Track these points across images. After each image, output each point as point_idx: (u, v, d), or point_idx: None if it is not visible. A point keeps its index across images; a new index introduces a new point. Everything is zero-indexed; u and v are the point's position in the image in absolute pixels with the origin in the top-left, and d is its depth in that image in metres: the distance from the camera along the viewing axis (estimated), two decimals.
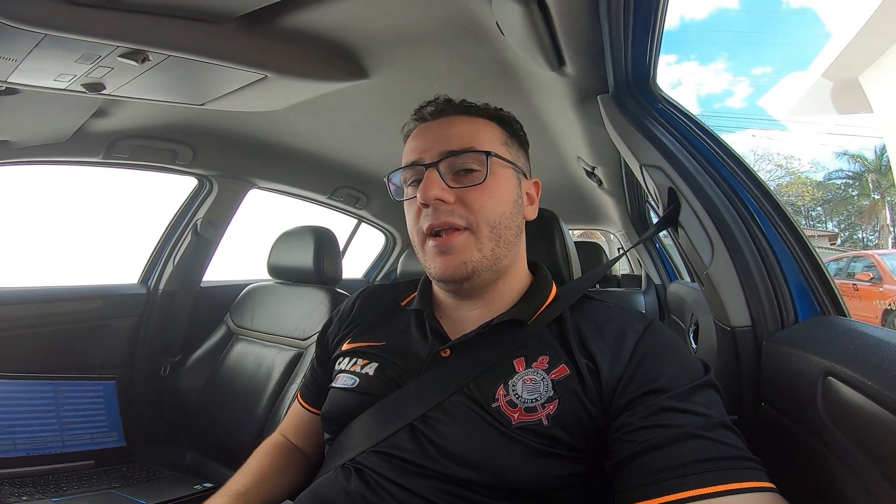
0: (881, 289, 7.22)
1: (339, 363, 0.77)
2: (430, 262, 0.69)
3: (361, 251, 3.04)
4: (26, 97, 1.09)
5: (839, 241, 22.72)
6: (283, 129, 1.69)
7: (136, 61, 0.92)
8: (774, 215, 0.78)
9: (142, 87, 1.07)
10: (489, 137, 0.72)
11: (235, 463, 0.83)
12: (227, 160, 1.81)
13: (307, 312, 1.56)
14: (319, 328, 0.91)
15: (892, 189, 20.09)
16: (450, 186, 0.67)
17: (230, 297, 1.81)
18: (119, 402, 1.63)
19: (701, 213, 0.80)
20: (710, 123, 0.95)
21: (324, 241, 1.65)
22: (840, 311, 0.72)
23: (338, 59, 1.15)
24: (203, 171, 1.80)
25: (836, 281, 0.76)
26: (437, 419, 0.62)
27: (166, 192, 1.93)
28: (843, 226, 24.62)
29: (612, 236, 4.35)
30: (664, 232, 0.97)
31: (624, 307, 0.72)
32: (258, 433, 1.39)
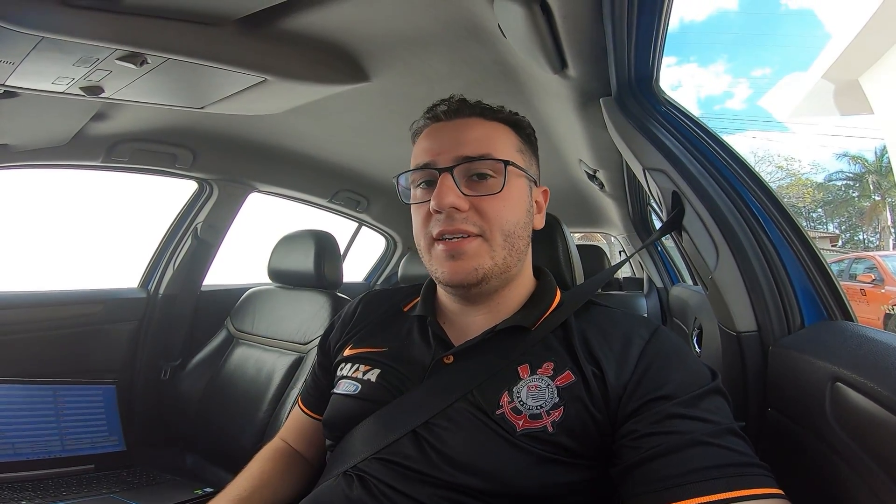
0: (883, 290, 7.21)
1: (341, 369, 0.76)
2: (438, 266, 0.67)
3: (362, 254, 3.03)
4: (25, 100, 1.08)
5: (840, 243, 22.70)
6: (284, 132, 1.69)
7: (135, 64, 0.92)
8: (779, 218, 0.78)
9: (141, 91, 1.07)
10: (506, 144, 0.70)
11: (236, 467, 0.82)
12: (227, 164, 1.81)
13: (308, 316, 1.55)
14: (320, 332, 0.90)
15: (893, 190, 20.10)
16: (464, 194, 0.65)
17: (231, 301, 1.80)
18: (119, 406, 1.62)
19: (705, 216, 0.79)
20: (710, 125, 0.95)
21: (324, 245, 1.64)
22: (847, 315, 0.71)
23: (338, 61, 1.15)
24: (203, 174, 1.79)
25: (840, 283, 0.75)
26: (440, 426, 0.61)
27: (167, 195, 1.93)
28: (843, 227, 24.61)
29: (612, 238, 4.34)
30: (667, 235, 0.97)
31: (629, 312, 0.71)
32: (259, 437, 1.39)
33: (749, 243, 0.75)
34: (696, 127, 0.93)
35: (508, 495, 0.56)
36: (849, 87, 9.21)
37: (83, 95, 1.04)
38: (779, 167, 26.26)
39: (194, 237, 1.87)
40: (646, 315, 2.68)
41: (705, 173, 0.83)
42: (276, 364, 1.53)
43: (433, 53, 1.11)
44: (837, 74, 9.14)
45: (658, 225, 2.46)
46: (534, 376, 0.62)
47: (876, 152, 20.43)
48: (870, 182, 21.04)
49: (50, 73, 0.94)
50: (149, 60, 0.92)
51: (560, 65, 0.97)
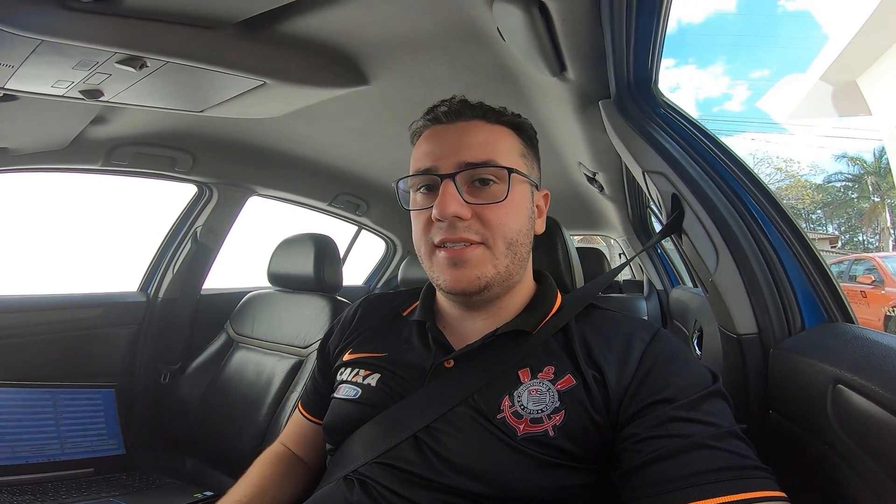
0: (883, 292, 7.21)
1: (341, 374, 0.75)
2: (439, 273, 0.67)
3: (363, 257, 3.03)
4: (24, 104, 1.08)
5: (839, 244, 22.71)
6: (283, 135, 1.69)
7: (134, 68, 0.92)
8: (779, 221, 0.78)
9: (140, 94, 1.07)
10: (509, 149, 0.69)
11: (236, 471, 0.82)
12: (226, 167, 1.81)
13: (308, 320, 1.55)
14: (320, 336, 0.90)
15: (892, 191, 20.11)
16: (467, 201, 0.64)
17: (230, 305, 1.80)
18: (119, 409, 1.62)
19: (705, 219, 0.79)
20: (709, 127, 0.95)
21: (324, 249, 1.64)
22: (847, 317, 0.71)
23: (337, 65, 1.15)
24: (203, 178, 1.79)
25: (840, 284, 0.75)
26: (441, 430, 0.61)
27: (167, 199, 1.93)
28: (843, 228, 24.63)
29: (612, 241, 4.35)
30: (666, 238, 0.96)
31: (629, 315, 0.71)
32: (259, 441, 1.38)
33: (749, 245, 0.75)
34: (695, 129, 0.93)
35: (509, 499, 0.56)
36: (847, 89, 9.25)
37: (82, 99, 1.04)
38: (778, 169, 26.32)
39: (194, 241, 1.87)
40: (646, 318, 2.68)
41: (705, 176, 0.83)
42: (275, 368, 1.52)
43: (432, 57, 1.11)
44: (835, 76, 9.18)
45: (658, 227, 2.46)
46: (534, 380, 0.62)
47: (874, 153, 20.49)
48: (869, 183, 21.07)
49: (49, 77, 0.94)
50: (148, 64, 0.92)
51: (559, 68, 0.97)
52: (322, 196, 2.28)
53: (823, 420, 0.55)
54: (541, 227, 0.75)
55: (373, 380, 0.70)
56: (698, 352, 1.56)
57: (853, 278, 7.95)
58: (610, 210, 2.55)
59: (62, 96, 1.03)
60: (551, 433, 0.57)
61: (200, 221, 1.88)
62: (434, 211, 0.64)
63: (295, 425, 0.88)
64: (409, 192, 0.72)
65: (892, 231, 20.22)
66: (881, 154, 19.58)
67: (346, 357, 0.77)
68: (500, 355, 0.65)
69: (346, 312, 0.87)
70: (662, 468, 0.51)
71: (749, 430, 0.55)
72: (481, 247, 0.65)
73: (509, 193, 0.65)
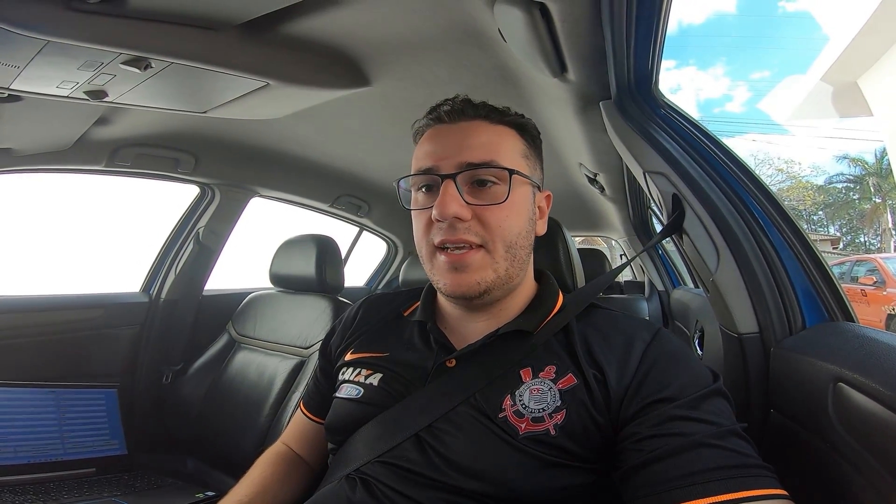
0: (885, 292, 7.20)
1: (343, 373, 0.76)
2: (440, 276, 0.67)
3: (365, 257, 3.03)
4: (29, 104, 1.09)
5: (841, 245, 22.68)
6: (285, 137, 1.69)
7: (139, 68, 0.92)
8: (780, 221, 0.78)
9: (144, 95, 1.07)
10: (511, 150, 0.69)
11: (238, 471, 0.82)
12: (229, 168, 1.81)
13: (309, 321, 1.56)
14: (322, 336, 0.90)
15: (894, 192, 20.09)
16: (467, 202, 0.64)
17: (232, 306, 1.81)
18: (121, 410, 1.62)
19: (706, 219, 0.79)
20: (710, 128, 0.95)
21: (325, 250, 1.64)
22: (848, 316, 0.71)
23: (339, 66, 1.15)
24: (205, 179, 1.80)
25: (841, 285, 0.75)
26: (443, 430, 0.61)
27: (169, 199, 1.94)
28: (844, 230, 24.60)
29: (613, 242, 4.34)
30: (667, 238, 0.97)
31: (630, 315, 0.71)
32: (260, 442, 1.39)
33: (749, 245, 0.75)
34: (696, 130, 0.93)
35: (511, 499, 0.56)
36: (847, 89, 9.25)
37: (87, 99, 1.05)
38: (779, 170, 26.32)
39: (196, 242, 1.87)
40: (647, 318, 2.68)
41: (705, 176, 0.83)
42: (277, 368, 1.53)
43: (433, 58, 1.11)
44: (836, 76, 9.18)
45: (659, 228, 2.46)
46: (536, 380, 0.62)
47: (876, 154, 20.48)
48: (870, 184, 21.05)
49: (55, 77, 0.94)
50: (152, 65, 0.93)
51: (560, 69, 0.97)
52: (324, 197, 2.29)
53: (824, 418, 0.55)
54: (542, 228, 0.75)
55: (375, 379, 0.70)
56: (700, 352, 1.56)
57: (855, 279, 7.94)
58: (611, 211, 2.55)
59: (67, 97, 1.03)
60: (553, 432, 0.57)
61: (203, 222, 1.89)
62: (434, 211, 0.64)
63: (297, 425, 0.88)
64: (410, 192, 0.72)
65: (893, 232, 20.17)
66: (882, 155, 19.56)
67: (348, 357, 0.77)
68: (501, 355, 0.66)
69: (347, 312, 0.87)
70: (663, 467, 0.51)
71: (750, 428, 0.55)
72: (481, 251, 0.65)
73: (510, 195, 0.65)
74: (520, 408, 0.59)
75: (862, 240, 23.83)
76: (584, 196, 2.46)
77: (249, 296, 1.80)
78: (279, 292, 1.75)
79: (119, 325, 1.76)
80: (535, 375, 0.62)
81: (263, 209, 2.14)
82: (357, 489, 0.60)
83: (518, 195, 0.67)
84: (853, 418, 0.51)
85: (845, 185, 23.07)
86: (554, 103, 1.22)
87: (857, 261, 8.66)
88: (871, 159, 20.84)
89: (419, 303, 0.78)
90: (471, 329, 0.72)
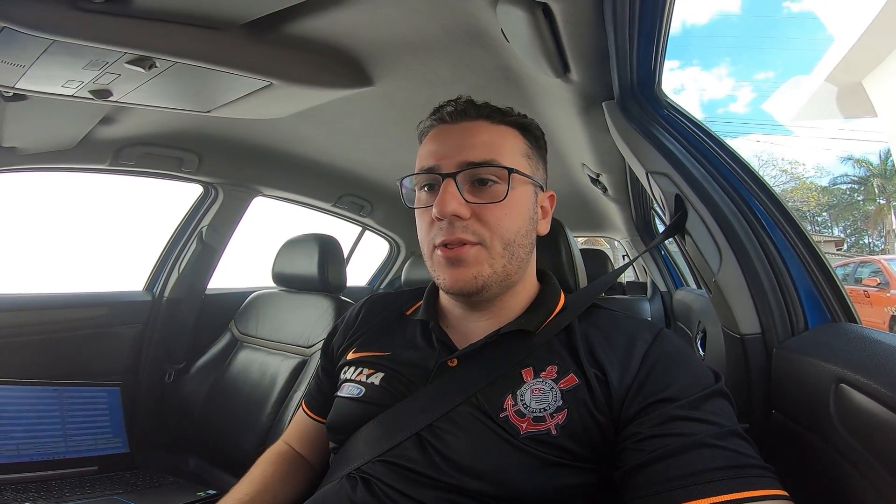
0: (888, 294, 7.17)
1: (345, 372, 0.76)
2: (439, 272, 0.67)
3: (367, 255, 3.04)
4: (34, 103, 1.09)
5: (845, 247, 22.58)
6: (288, 136, 1.70)
7: (143, 68, 0.93)
8: (783, 221, 0.78)
9: (148, 94, 1.08)
10: (512, 149, 0.69)
11: (239, 470, 0.82)
12: (232, 168, 1.82)
13: (311, 320, 1.56)
14: (324, 336, 0.90)
15: None
16: (467, 200, 0.65)
17: (235, 305, 1.81)
18: (123, 408, 1.63)
19: (708, 220, 0.79)
20: (713, 129, 0.95)
21: (328, 249, 1.65)
22: (851, 317, 0.71)
23: (342, 66, 1.16)
24: (208, 178, 1.80)
25: (845, 286, 0.75)
26: (444, 429, 0.61)
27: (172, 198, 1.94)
28: (848, 231, 24.49)
29: (616, 243, 4.33)
30: (670, 238, 0.97)
31: (632, 315, 0.71)
32: (262, 440, 1.39)
33: (752, 246, 0.75)
34: (699, 130, 0.93)
35: (512, 498, 0.56)
36: (852, 90, 9.21)
37: (92, 99, 1.05)
38: (783, 171, 26.24)
39: (199, 241, 1.88)
40: (649, 319, 2.67)
41: (708, 177, 0.83)
42: (279, 367, 1.53)
43: (436, 58, 1.11)
44: (841, 77, 9.14)
45: (661, 228, 2.46)
46: (537, 379, 0.62)
47: (880, 155, 20.37)
48: (874, 185, 20.96)
49: (60, 77, 0.95)
50: (157, 64, 0.93)
51: (562, 69, 0.98)
52: (326, 197, 2.29)
53: (826, 419, 0.55)
54: (545, 228, 0.76)
55: (376, 378, 0.71)
56: (702, 352, 1.56)
57: (859, 281, 7.91)
58: (613, 211, 2.55)
59: (72, 96, 1.03)
60: (554, 432, 0.57)
61: (206, 221, 1.89)
62: (434, 209, 0.64)
63: (298, 424, 0.88)
64: (414, 191, 0.72)
65: None
66: (887, 156, 19.48)
67: (350, 356, 0.77)
68: (503, 354, 0.66)
69: (349, 312, 0.88)
70: (664, 467, 0.51)
71: (752, 429, 0.55)
72: (477, 246, 0.65)
73: (509, 194, 0.66)
74: (521, 407, 0.60)
75: (866, 241, 23.73)
76: (587, 196, 2.46)
77: (252, 295, 1.80)
78: (281, 291, 1.75)
79: (122, 324, 1.77)
80: (536, 375, 0.62)
81: (267, 208, 2.15)
82: (358, 488, 0.60)
83: (518, 194, 0.68)
84: (855, 419, 0.51)
85: (850, 186, 22.99)
86: (556, 103, 1.22)
87: (861, 262, 8.63)
88: (875, 160, 20.77)
89: (421, 302, 0.79)
90: (473, 328, 0.72)
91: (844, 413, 0.53)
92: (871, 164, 20.93)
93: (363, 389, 0.71)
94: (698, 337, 1.68)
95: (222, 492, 0.76)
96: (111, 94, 1.05)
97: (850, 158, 21.80)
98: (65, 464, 1.42)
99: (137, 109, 1.19)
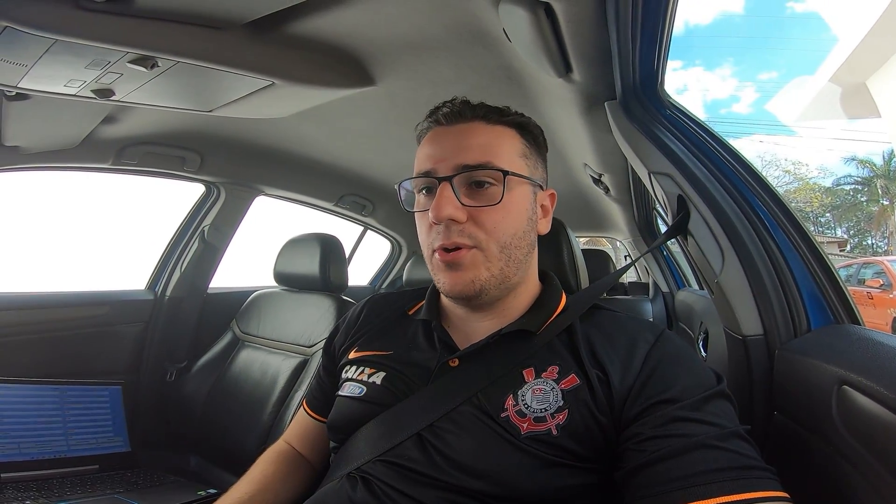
0: (891, 295, 7.15)
1: (346, 372, 0.76)
2: (438, 275, 0.68)
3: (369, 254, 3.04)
4: (36, 103, 1.09)
5: (848, 248, 22.51)
6: (290, 136, 1.70)
7: (146, 67, 0.93)
8: (786, 222, 0.77)
9: (151, 94, 1.08)
10: (508, 150, 0.69)
11: (240, 469, 0.82)
12: (234, 167, 1.82)
13: (313, 319, 1.56)
14: (325, 335, 0.90)
15: None
16: (463, 203, 0.65)
17: (236, 304, 1.81)
18: (125, 407, 1.63)
19: (711, 220, 0.79)
20: (716, 129, 0.94)
21: (329, 249, 1.65)
22: (854, 319, 0.71)
23: (344, 66, 1.16)
24: (211, 177, 1.81)
25: (848, 287, 0.75)
26: (445, 429, 0.61)
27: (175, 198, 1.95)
28: (852, 232, 24.42)
29: (618, 243, 4.33)
30: (672, 239, 0.96)
31: (634, 316, 0.71)
32: (263, 440, 1.39)
33: (755, 247, 0.75)
34: (702, 131, 0.93)
35: (513, 498, 0.56)
36: (856, 91, 9.18)
37: (94, 98, 1.05)
38: (786, 171, 26.18)
39: (201, 240, 1.88)
40: (651, 320, 2.67)
41: (711, 177, 0.83)
42: (280, 367, 1.53)
43: (438, 58, 1.11)
44: (844, 77, 9.11)
45: (663, 229, 2.45)
46: (538, 380, 0.62)
47: (884, 156, 20.30)
48: (878, 186, 20.88)
49: (62, 76, 0.95)
50: (159, 63, 0.93)
51: (565, 69, 0.97)
52: (328, 196, 2.29)
53: (828, 421, 0.55)
54: (545, 227, 0.75)
55: (378, 378, 0.71)
56: (704, 353, 1.55)
57: (862, 282, 7.89)
58: (615, 212, 2.55)
59: (74, 95, 1.03)
60: (555, 432, 0.57)
61: (208, 220, 1.89)
62: (430, 214, 0.64)
63: (299, 423, 0.88)
64: (414, 194, 0.72)
65: None
66: (891, 157, 19.43)
67: (352, 355, 0.77)
68: (504, 355, 0.66)
69: (351, 311, 0.88)
70: (665, 468, 0.51)
71: (754, 431, 0.55)
72: (474, 249, 0.65)
73: (505, 196, 0.65)
74: (522, 407, 0.59)
75: (869, 242, 23.65)
76: (589, 196, 2.45)
77: (253, 294, 1.81)
78: (283, 291, 1.75)
79: (124, 323, 1.77)
80: (537, 375, 0.62)
81: (269, 208, 2.16)
82: (358, 488, 0.60)
83: (514, 196, 0.67)
84: (857, 421, 0.51)
85: (853, 187, 22.89)
86: (558, 103, 1.22)
87: (865, 263, 8.61)
88: (879, 161, 20.70)
89: (423, 302, 0.79)
90: (474, 328, 0.72)
91: (846, 415, 0.53)
92: (875, 165, 20.86)
93: (364, 389, 0.71)
94: (700, 338, 1.67)
95: (223, 491, 0.76)
96: (113, 94, 1.05)
97: (853, 159, 21.72)
98: (66, 462, 1.43)
99: (140, 109, 1.19)
